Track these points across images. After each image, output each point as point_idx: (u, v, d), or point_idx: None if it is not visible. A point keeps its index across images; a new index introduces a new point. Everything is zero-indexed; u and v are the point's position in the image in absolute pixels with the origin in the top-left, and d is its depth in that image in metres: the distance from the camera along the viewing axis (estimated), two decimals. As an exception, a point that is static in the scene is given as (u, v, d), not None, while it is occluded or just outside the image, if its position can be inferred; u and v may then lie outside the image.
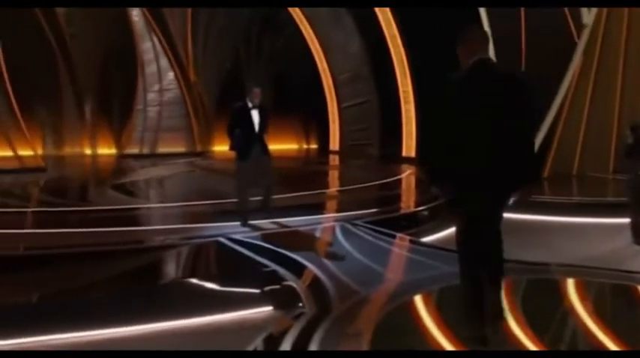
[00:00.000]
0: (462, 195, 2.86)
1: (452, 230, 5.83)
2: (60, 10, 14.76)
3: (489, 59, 2.98)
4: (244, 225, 6.01)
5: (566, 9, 9.89)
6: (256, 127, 6.08)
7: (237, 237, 5.45)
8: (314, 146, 18.49)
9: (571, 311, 3.54)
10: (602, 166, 10.15)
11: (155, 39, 15.03)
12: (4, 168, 11.46)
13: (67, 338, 3.10)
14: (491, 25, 10.19)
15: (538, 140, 9.79)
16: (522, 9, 9.88)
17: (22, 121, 12.08)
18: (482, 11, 10.21)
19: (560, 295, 3.92)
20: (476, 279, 2.89)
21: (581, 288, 3.95)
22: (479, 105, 2.79)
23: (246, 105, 6.12)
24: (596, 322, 3.26)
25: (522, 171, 2.86)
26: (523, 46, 10.08)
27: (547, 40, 9.81)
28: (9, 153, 12.03)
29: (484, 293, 2.90)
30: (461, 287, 2.97)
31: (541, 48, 9.82)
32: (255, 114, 6.08)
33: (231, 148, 6.16)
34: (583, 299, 3.73)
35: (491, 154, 2.78)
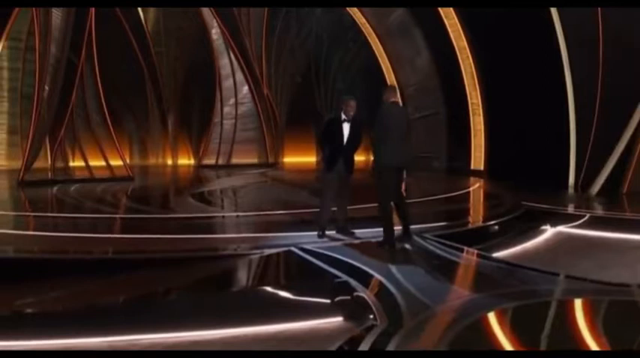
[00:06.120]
0: (385, 165, 5.69)
1: (523, 245, 5.80)
2: (147, 30, 15.89)
3: (397, 101, 6.03)
4: (321, 236, 5.97)
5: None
6: (344, 141, 5.94)
7: (309, 247, 5.57)
8: (381, 158, 18.50)
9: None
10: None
11: (232, 55, 15.69)
12: (98, 176, 12.48)
13: (153, 338, 3.24)
14: (566, 34, 9.85)
15: (616, 154, 9.62)
16: (600, 15, 9.43)
17: (113, 134, 12.96)
18: (557, 23, 9.86)
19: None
20: (387, 209, 5.71)
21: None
22: (390, 122, 5.66)
23: (338, 117, 6.00)
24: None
25: (408, 155, 5.91)
26: (601, 54, 9.60)
27: (627, 48, 9.32)
28: (102, 163, 13.05)
29: (392, 217, 5.71)
30: (381, 214, 5.73)
31: (620, 57, 9.35)
32: (345, 128, 5.93)
33: (322, 161, 6.17)
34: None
35: (394, 146, 5.64)
